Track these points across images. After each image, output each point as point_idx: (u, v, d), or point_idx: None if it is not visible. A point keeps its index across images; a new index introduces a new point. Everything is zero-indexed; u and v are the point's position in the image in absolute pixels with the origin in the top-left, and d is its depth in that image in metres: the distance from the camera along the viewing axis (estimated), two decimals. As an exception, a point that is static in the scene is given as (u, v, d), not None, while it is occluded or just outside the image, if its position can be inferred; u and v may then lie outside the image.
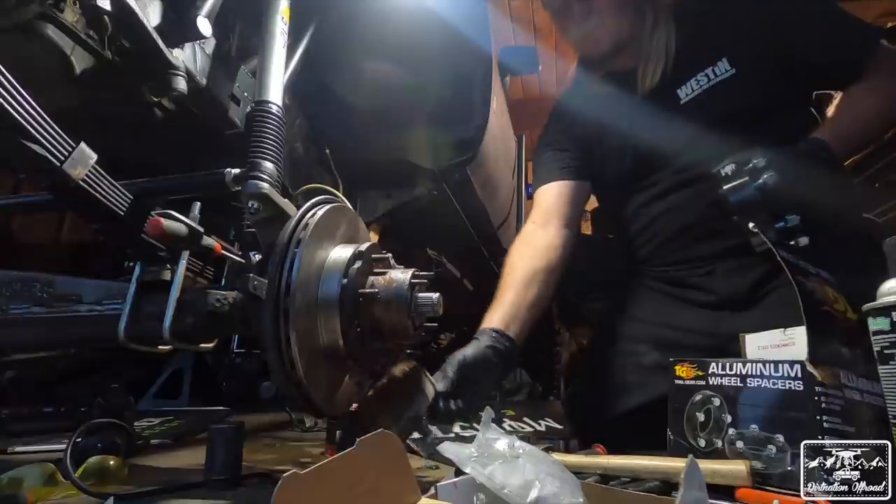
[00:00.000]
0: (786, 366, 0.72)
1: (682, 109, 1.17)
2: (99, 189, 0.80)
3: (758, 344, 0.86)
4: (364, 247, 0.88)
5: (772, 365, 0.74)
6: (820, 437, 0.67)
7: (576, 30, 1.24)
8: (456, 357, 0.99)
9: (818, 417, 0.68)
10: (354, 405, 0.89)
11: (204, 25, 0.94)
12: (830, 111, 1.12)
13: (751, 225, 0.86)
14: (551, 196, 1.30)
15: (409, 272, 0.87)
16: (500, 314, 1.10)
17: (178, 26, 0.94)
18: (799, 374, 0.71)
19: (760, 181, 0.89)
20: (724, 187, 0.93)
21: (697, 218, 1.16)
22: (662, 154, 1.20)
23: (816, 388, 0.69)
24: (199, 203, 0.90)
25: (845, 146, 1.04)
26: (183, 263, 0.87)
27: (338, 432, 0.92)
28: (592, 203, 1.53)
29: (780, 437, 0.70)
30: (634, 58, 1.23)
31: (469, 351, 1.01)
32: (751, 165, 0.91)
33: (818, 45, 1.09)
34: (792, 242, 0.86)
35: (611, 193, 1.38)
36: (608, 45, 1.22)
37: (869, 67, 1.08)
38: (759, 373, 0.75)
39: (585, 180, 1.34)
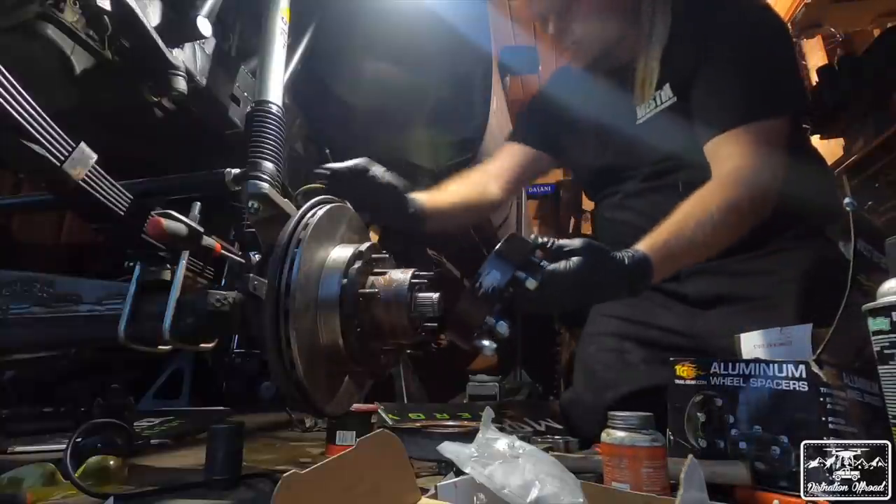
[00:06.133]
0: (790, 366, 0.71)
1: (638, 128, 1.21)
2: (99, 189, 0.80)
3: (753, 343, 0.86)
4: (364, 247, 0.88)
5: (775, 365, 0.73)
6: (825, 438, 0.66)
7: (565, 40, 1.25)
8: None
9: (823, 419, 0.67)
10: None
11: (204, 25, 0.94)
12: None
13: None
14: (512, 155, 1.40)
15: (409, 272, 0.86)
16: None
17: (178, 26, 0.95)
18: (804, 375, 0.70)
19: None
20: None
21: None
22: (629, 161, 1.25)
23: (822, 388, 0.68)
24: (199, 203, 0.90)
25: (669, 265, 0.92)
26: (183, 263, 0.87)
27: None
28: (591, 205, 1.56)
29: (785, 439, 0.70)
30: (630, 52, 1.23)
31: None
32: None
33: (698, 100, 1.08)
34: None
35: (591, 187, 1.42)
36: (597, 50, 1.23)
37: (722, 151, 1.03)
38: (761, 373, 0.74)
39: (548, 152, 1.41)
